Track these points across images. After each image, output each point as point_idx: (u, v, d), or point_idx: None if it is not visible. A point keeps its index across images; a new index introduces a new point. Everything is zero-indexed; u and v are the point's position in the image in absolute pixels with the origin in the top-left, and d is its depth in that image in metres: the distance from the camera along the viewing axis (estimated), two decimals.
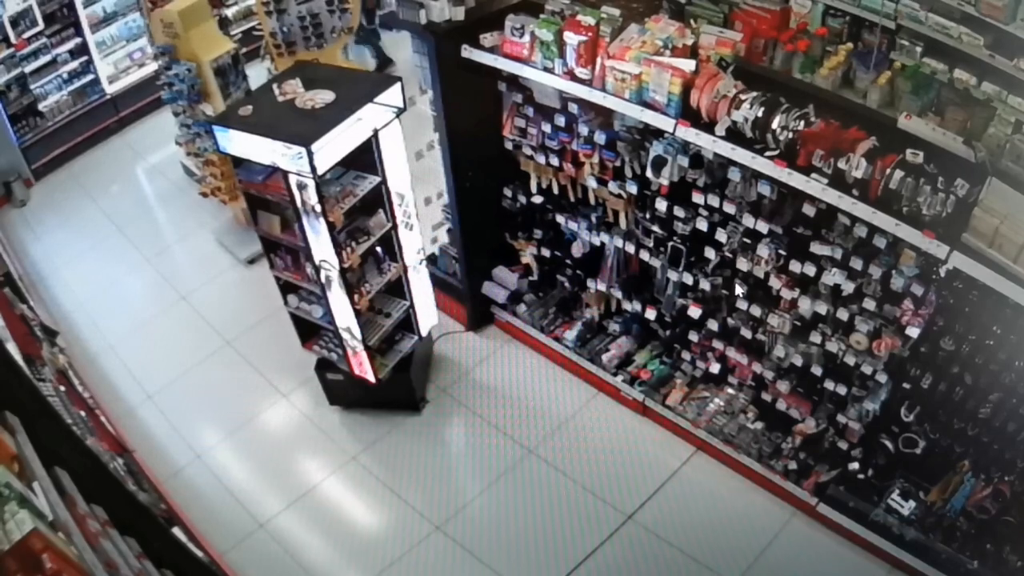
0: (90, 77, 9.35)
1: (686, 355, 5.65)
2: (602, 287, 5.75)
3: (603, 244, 5.52)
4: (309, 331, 5.77)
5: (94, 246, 8.08)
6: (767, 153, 4.02)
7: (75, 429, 4.03)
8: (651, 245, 5.19)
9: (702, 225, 4.79)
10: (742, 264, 4.72)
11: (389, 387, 5.80)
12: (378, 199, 5.13)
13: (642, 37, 4.37)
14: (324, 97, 4.68)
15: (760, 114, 3.97)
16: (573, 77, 4.63)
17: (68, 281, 7.70)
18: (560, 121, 5.11)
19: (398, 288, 5.64)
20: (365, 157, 4.91)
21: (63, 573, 2.34)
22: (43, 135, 9.05)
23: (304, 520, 5.50)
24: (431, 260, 6.41)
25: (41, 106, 8.99)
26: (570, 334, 6.10)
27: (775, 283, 4.65)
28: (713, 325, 5.19)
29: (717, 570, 4.98)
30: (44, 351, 5.30)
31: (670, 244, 5.04)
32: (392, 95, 4.82)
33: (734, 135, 4.11)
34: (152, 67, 8.79)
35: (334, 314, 5.32)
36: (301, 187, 4.64)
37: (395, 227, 5.29)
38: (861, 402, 4.73)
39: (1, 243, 7.37)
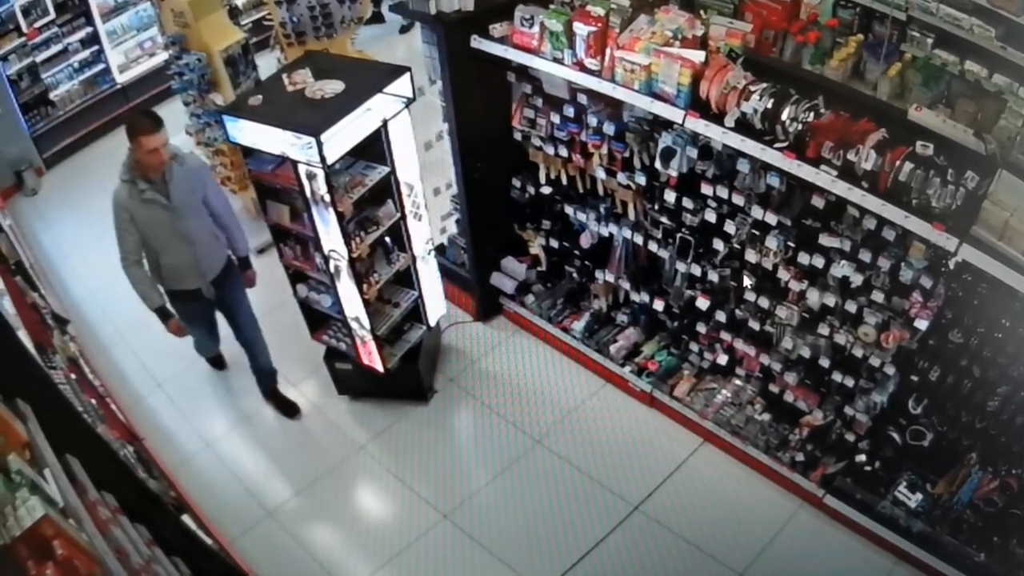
0: (101, 67, 9.37)
1: (694, 346, 5.65)
2: (610, 278, 5.75)
3: (611, 235, 5.52)
4: (318, 321, 5.79)
5: (104, 235, 7.95)
6: (776, 145, 4.01)
7: (86, 417, 4.05)
8: (659, 236, 5.19)
9: (711, 216, 4.79)
10: (750, 256, 4.71)
11: (397, 377, 5.82)
12: (387, 189, 5.14)
13: (651, 28, 4.36)
14: (334, 87, 4.68)
15: (769, 105, 3.96)
16: (582, 68, 4.62)
17: (79, 270, 7.74)
18: (569, 112, 5.11)
19: (407, 278, 5.65)
20: (374, 147, 4.92)
21: (73, 559, 2.36)
22: (54, 124, 9.09)
23: (312, 508, 5.53)
24: (440, 250, 6.42)
25: (52, 95, 9.02)
26: (578, 325, 6.10)
27: (783, 275, 4.64)
28: (721, 316, 5.19)
29: (724, 561, 4.99)
30: (55, 339, 5.33)
31: (678, 235, 5.03)
32: (402, 85, 4.82)
33: (743, 126, 4.10)
34: (162, 57, 8.80)
35: (343, 304, 5.33)
36: (310, 177, 4.65)
37: (404, 217, 5.30)
38: (869, 394, 4.73)
39: (12, 231, 7.39)
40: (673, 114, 4.32)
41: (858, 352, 4.54)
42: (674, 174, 4.72)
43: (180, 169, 4.89)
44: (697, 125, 4.25)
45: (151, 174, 4.80)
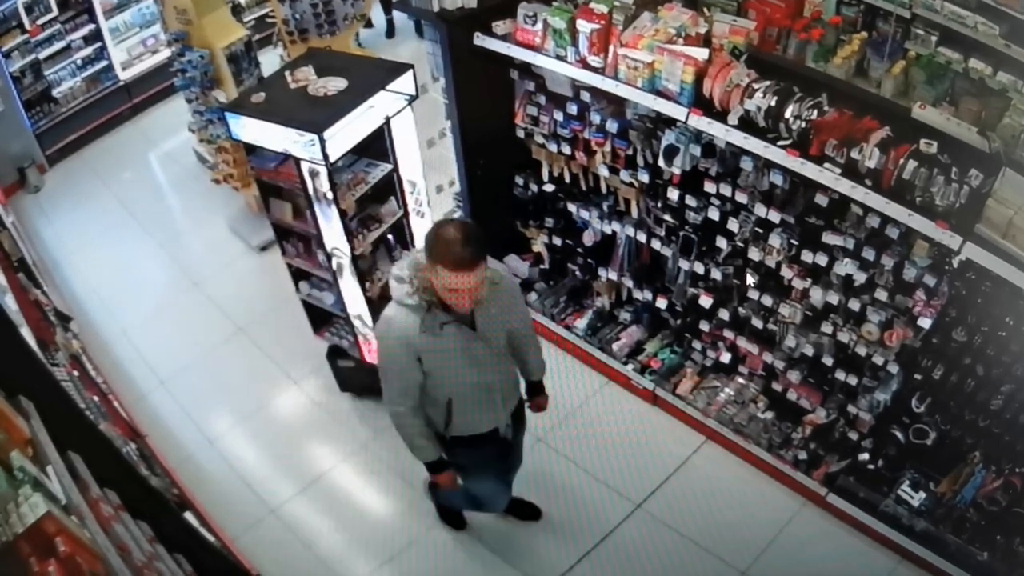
0: (104, 63, 9.37)
1: (697, 344, 5.64)
2: (613, 276, 5.75)
3: (614, 233, 5.51)
4: (321, 318, 5.79)
5: (107, 232, 8.12)
6: (780, 142, 4.00)
7: (88, 414, 4.06)
8: (662, 234, 5.18)
9: (714, 214, 4.78)
10: (754, 254, 4.71)
11: None
12: (390, 187, 5.14)
13: (655, 25, 4.35)
14: (336, 84, 4.67)
15: (773, 103, 3.95)
16: (585, 65, 4.61)
17: (81, 267, 7.75)
18: (572, 109, 5.10)
19: None
20: (377, 144, 4.91)
21: (76, 556, 2.36)
22: (57, 121, 9.10)
23: (315, 506, 5.53)
24: None
25: (55, 92, 9.02)
26: (581, 323, 6.10)
27: (787, 273, 4.64)
28: (724, 314, 5.18)
29: (726, 559, 4.98)
30: (58, 336, 5.34)
31: (681, 233, 5.03)
32: (404, 83, 4.82)
33: (747, 124, 4.09)
34: (165, 54, 8.81)
35: (345, 301, 5.33)
36: (313, 174, 4.65)
37: (407, 215, 5.30)
38: (872, 392, 4.72)
39: (15, 228, 7.41)
40: (676, 112, 4.31)
41: (861, 350, 4.53)
42: (677, 172, 4.71)
43: (494, 291, 3.63)
44: (700, 123, 4.24)
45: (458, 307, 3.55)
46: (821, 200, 4.23)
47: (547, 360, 6.29)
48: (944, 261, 4.01)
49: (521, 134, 5.58)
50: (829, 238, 4.30)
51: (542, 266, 6.32)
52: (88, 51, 9.21)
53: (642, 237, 5.32)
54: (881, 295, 4.32)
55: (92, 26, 9.13)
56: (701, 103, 4.22)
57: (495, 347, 3.79)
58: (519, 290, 4.09)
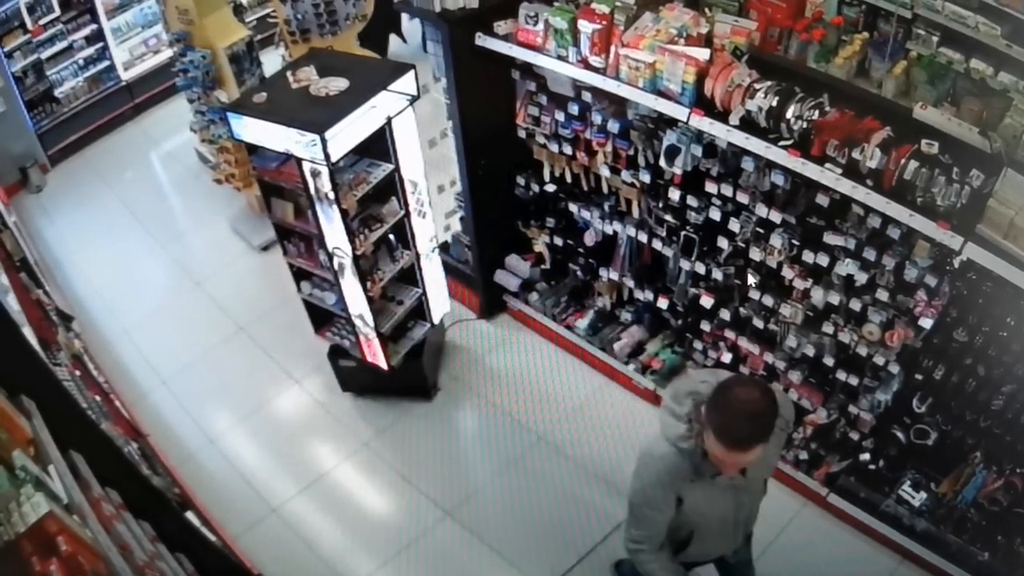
0: (105, 63, 9.37)
1: (698, 344, 5.64)
2: (614, 276, 5.74)
3: (616, 233, 5.51)
4: (322, 318, 5.79)
5: (109, 232, 8.12)
6: (781, 143, 4.00)
7: (90, 413, 4.07)
8: (664, 234, 5.18)
9: (715, 214, 4.78)
10: (755, 254, 4.70)
11: (401, 374, 5.82)
12: (391, 187, 5.13)
13: (656, 25, 4.35)
14: (338, 85, 4.68)
15: (774, 103, 3.95)
16: (587, 65, 4.61)
17: (83, 267, 7.75)
18: (574, 109, 5.10)
19: (410, 276, 5.65)
20: (378, 144, 4.91)
21: (78, 556, 2.37)
22: (59, 121, 9.09)
23: (316, 505, 5.53)
24: (444, 248, 6.42)
25: (57, 92, 9.02)
26: (582, 323, 6.10)
27: (788, 273, 4.63)
28: (725, 315, 5.17)
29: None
30: (59, 336, 5.34)
31: (683, 233, 5.02)
32: (406, 83, 4.82)
33: (748, 124, 4.09)
34: (167, 54, 8.81)
35: (347, 301, 5.33)
36: (315, 174, 4.65)
37: (408, 215, 5.30)
38: (873, 393, 4.71)
39: (17, 228, 7.40)
40: (678, 112, 4.31)
41: (862, 351, 4.53)
42: (678, 172, 4.70)
43: (774, 437, 3.07)
44: (702, 123, 4.24)
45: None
46: (822, 200, 4.23)
47: (548, 359, 6.34)
48: (945, 261, 4.01)
49: (522, 134, 5.58)
50: (830, 238, 4.30)
51: (543, 266, 6.31)
52: (90, 51, 9.21)
53: (643, 237, 5.31)
54: (882, 295, 4.31)
55: (94, 26, 9.13)
56: (702, 103, 4.22)
57: (758, 485, 3.58)
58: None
